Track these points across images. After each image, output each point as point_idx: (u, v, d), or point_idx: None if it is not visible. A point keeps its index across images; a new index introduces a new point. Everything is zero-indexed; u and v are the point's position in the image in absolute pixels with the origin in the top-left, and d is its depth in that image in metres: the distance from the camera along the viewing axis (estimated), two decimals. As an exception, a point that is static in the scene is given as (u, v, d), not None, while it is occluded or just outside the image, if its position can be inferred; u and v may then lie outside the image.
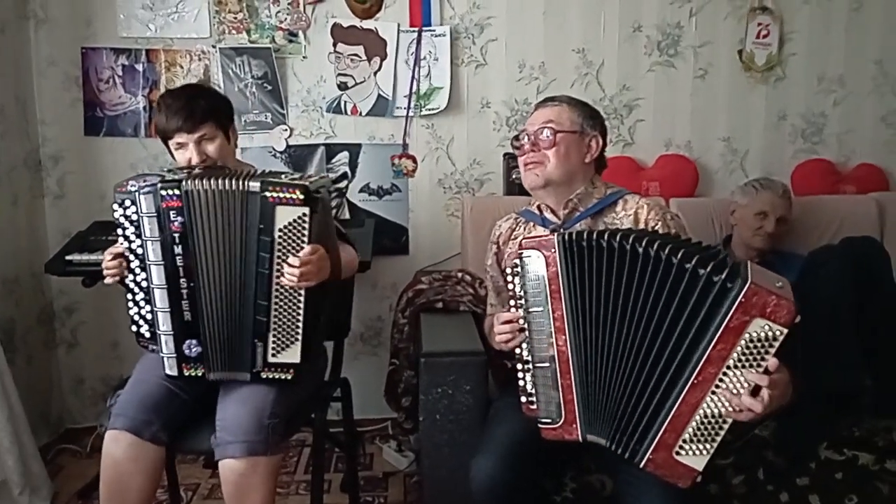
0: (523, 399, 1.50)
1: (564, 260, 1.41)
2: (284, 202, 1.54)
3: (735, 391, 1.27)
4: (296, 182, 1.56)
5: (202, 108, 1.75)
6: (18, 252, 2.49)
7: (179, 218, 1.58)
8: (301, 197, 1.54)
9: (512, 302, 1.49)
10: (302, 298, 1.60)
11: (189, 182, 1.58)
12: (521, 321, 1.47)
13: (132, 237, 1.62)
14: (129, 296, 1.67)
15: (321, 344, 1.93)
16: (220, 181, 1.58)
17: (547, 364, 1.45)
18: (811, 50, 2.75)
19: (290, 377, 1.64)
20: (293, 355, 1.63)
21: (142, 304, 1.65)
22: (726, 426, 1.30)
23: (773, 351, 1.25)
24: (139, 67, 2.59)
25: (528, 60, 2.68)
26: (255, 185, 1.56)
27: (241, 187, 1.57)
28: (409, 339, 2.18)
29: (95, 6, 2.56)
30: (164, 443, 1.63)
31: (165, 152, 2.59)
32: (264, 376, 1.63)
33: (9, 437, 2.07)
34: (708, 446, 1.31)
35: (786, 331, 1.24)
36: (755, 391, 1.26)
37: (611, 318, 1.38)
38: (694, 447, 1.32)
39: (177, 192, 1.57)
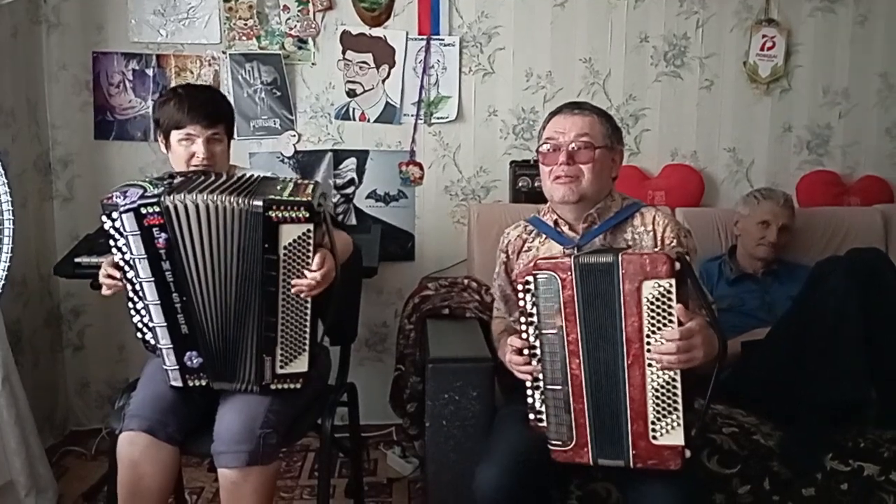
0: (531, 416, 1.51)
1: (581, 283, 1.41)
2: (289, 221, 1.52)
3: (665, 352, 1.33)
4: (299, 200, 1.52)
5: (223, 108, 1.79)
6: (27, 254, 2.50)
7: (163, 234, 1.53)
8: (306, 215, 1.52)
9: (522, 319, 1.49)
10: (308, 309, 1.60)
11: (168, 197, 1.52)
12: (534, 342, 1.47)
13: (124, 248, 1.57)
14: (131, 304, 1.64)
15: (321, 344, 1.92)
16: (205, 195, 1.53)
17: (559, 387, 1.45)
18: (816, 62, 2.76)
19: (299, 386, 1.64)
20: (301, 365, 1.63)
21: (143, 312, 1.62)
22: (678, 390, 1.34)
23: (673, 303, 1.32)
24: (149, 72, 2.61)
25: (536, 69, 2.70)
26: (256, 204, 1.51)
27: (236, 204, 1.53)
28: (414, 344, 2.18)
29: (107, 11, 2.59)
30: (178, 442, 1.62)
31: (175, 157, 2.64)
32: (274, 388, 1.62)
33: (16, 438, 2.07)
34: (674, 417, 1.35)
35: (673, 281, 1.31)
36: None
37: (607, 338, 1.41)
38: (664, 424, 1.36)
39: (157, 209, 1.51)
